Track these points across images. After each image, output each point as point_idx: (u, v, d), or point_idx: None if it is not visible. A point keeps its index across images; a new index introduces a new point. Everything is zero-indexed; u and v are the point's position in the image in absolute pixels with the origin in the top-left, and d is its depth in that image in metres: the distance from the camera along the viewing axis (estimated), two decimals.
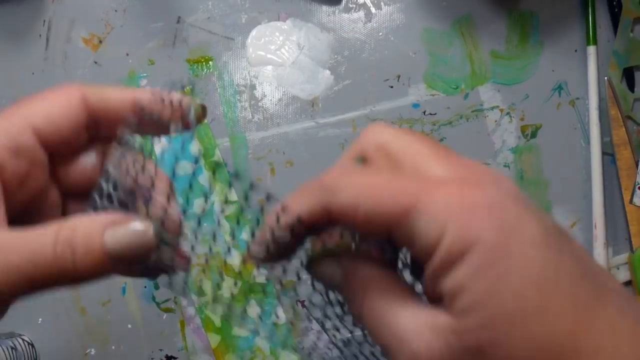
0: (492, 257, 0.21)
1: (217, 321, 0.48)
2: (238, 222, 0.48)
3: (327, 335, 0.27)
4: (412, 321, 0.22)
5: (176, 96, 0.27)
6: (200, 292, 0.48)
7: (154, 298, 0.48)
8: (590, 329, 0.21)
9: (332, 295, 0.26)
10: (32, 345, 0.46)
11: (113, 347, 0.47)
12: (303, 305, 0.48)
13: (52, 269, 0.23)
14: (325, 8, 0.50)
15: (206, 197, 0.48)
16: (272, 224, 0.25)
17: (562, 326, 0.21)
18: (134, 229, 0.24)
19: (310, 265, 0.26)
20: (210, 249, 0.48)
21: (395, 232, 0.22)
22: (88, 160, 0.28)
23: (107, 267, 0.24)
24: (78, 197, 0.28)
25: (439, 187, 0.21)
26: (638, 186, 0.49)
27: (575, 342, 0.21)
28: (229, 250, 0.48)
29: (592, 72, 0.50)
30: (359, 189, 0.22)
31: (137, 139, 0.26)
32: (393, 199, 0.22)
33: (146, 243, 0.24)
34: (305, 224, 0.24)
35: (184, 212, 0.27)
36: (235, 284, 0.48)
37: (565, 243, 0.22)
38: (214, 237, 0.48)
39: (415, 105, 0.50)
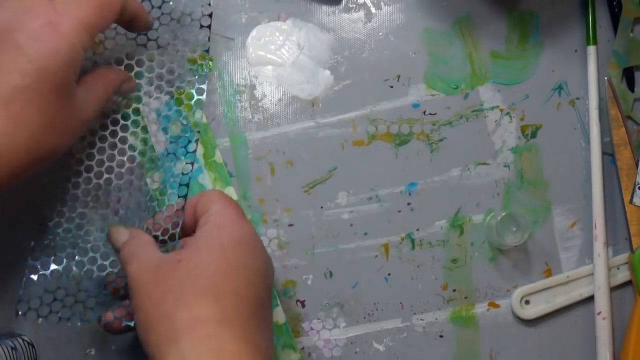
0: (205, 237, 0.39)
1: None
2: None
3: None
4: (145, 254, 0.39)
5: None
6: None
7: None
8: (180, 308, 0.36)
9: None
10: (32, 345, 0.46)
11: (113, 347, 0.47)
12: (303, 305, 0.48)
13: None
14: (325, 8, 0.50)
15: None
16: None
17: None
18: None
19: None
20: None
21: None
22: None
23: None
24: None
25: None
26: (638, 186, 0.49)
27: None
28: None
29: (592, 72, 0.50)
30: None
31: None
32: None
33: None
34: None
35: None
36: None
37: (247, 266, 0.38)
38: None
39: (415, 105, 0.50)
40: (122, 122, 0.46)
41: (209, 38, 0.48)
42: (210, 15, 0.47)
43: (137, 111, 0.47)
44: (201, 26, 0.47)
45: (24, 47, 0.36)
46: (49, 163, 0.39)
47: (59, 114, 0.37)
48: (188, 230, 0.42)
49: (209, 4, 0.47)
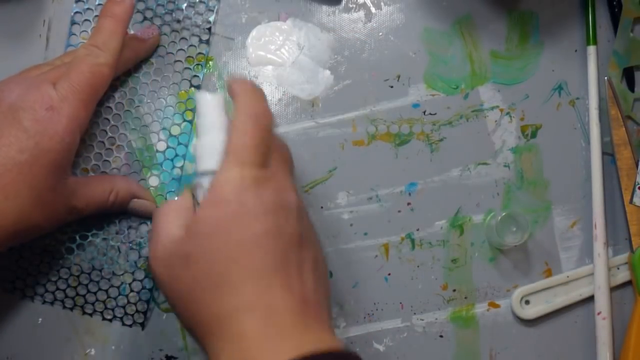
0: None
1: None
2: None
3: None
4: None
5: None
6: None
7: (154, 298, 0.48)
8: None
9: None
10: None
11: (113, 347, 0.47)
12: None
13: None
14: (325, 8, 0.50)
15: None
16: None
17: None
18: None
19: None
20: None
21: None
22: None
23: None
24: None
25: None
26: (638, 186, 0.49)
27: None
28: None
29: (592, 72, 0.50)
30: None
31: None
32: None
33: None
34: None
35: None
36: None
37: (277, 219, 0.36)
38: None
39: (415, 105, 0.50)
40: (122, 119, 0.47)
41: (209, 39, 0.48)
42: (212, 21, 0.47)
43: (137, 110, 0.47)
44: (202, 27, 0.47)
45: (27, 126, 0.38)
46: (36, 236, 0.41)
47: (47, 194, 0.39)
48: None
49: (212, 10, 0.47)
